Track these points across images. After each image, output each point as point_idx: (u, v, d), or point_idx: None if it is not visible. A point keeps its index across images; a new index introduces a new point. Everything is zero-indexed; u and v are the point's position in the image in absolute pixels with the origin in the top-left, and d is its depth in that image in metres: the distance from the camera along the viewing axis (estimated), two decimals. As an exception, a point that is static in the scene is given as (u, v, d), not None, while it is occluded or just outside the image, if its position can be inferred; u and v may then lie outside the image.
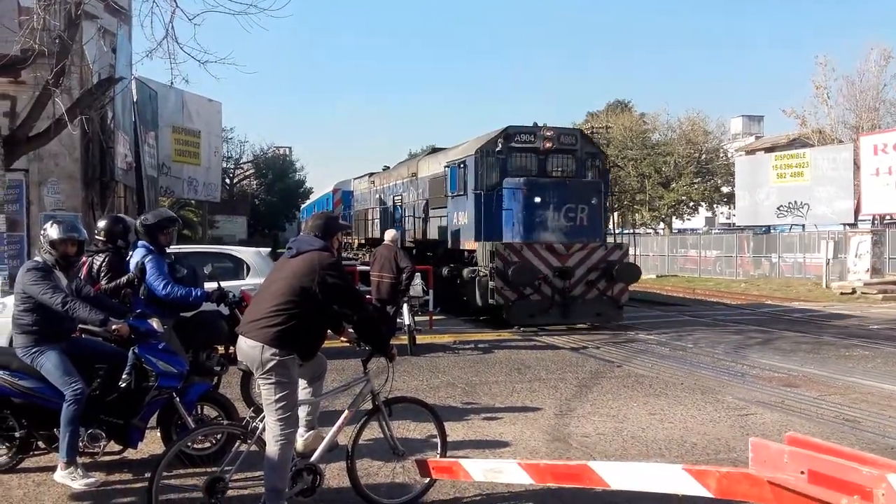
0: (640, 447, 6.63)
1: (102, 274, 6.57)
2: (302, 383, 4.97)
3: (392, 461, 5.38)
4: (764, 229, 36.40)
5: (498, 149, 15.49)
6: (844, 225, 31.26)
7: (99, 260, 6.67)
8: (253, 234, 52.94)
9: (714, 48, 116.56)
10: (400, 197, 21.15)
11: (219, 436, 5.73)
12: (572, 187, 15.25)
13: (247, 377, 6.85)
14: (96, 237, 6.87)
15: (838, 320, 17.40)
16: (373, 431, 5.28)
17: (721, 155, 49.06)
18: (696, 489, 3.38)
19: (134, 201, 21.93)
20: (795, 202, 33.10)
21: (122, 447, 5.66)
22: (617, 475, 3.85)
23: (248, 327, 4.63)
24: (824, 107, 37.59)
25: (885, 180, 28.80)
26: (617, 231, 23.23)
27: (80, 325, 5.82)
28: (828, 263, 26.88)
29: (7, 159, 11.23)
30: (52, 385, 5.31)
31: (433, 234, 18.09)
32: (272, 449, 4.48)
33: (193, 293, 6.41)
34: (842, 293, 24.38)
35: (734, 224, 43.70)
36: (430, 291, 14.68)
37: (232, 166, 59.27)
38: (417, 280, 12.55)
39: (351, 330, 5.15)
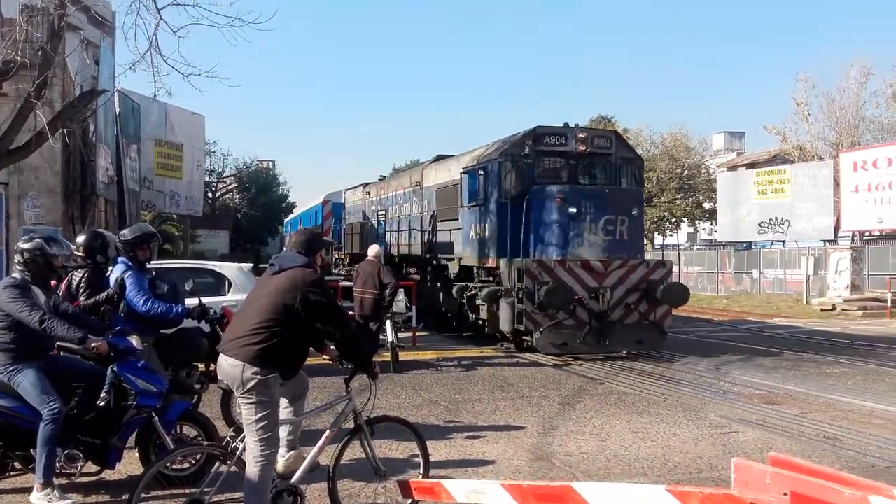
0: (623, 466, 6.62)
1: (81, 290, 6.50)
2: (283, 402, 4.92)
3: (374, 482, 5.33)
4: (745, 245, 36.67)
5: (525, 152, 13.74)
6: (824, 241, 31.54)
7: (78, 276, 6.61)
8: (235, 248, 52.66)
9: (697, 65, 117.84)
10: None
11: (198, 456, 5.64)
12: (612, 196, 13.45)
13: (227, 396, 6.79)
14: (75, 253, 6.80)
15: (819, 337, 17.51)
16: (355, 451, 5.24)
17: (703, 171, 49.43)
18: (678, 511, 3.36)
19: (115, 215, 21.76)
20: (776, 218, 33.37)
21: (99, 468, 5.58)
22: (600, 496, 3.83)
23: (229, 345, 4.58)
24: (805, 123, 38.00)
25: (864, 197, 29.09)
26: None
27: (58, 343, 5.75)
28: (808, 280, 27.13)
29: (-13, 172, 11.13)
30: (28, 404, 5.23)
31: (442, 249, 16.31)
32: (252, 470, 4.43)
33: (174, 310, 6.36)
34: (822, 309, 24.59)
35: (716, 240, 43.99)
36: (414, 308, 14.63)
37: (215, 180, 59.02)
38: (401, 296, 12.53)
39: (333, 348, 5.12)
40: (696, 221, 50.58)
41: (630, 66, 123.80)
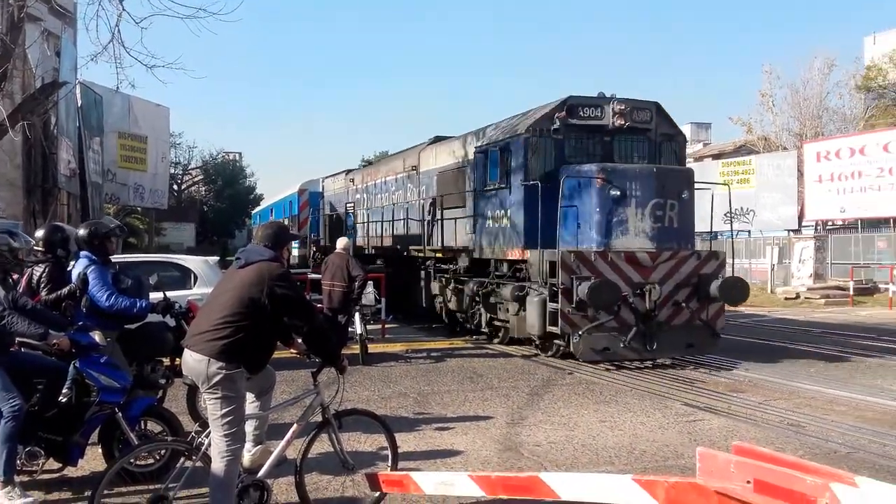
0: (591, 455, 6.67)
1: (42, 285, 6.40)
2: (249, 397, 4.88)
3: (342, 475, 5.32)
4: (712, 235, 37.00)
5: (555, 126, 11.86)
6: (789, 231, 32.02)
7: (39, 270, 6.50)
8: (202, 241, 52.20)
9: (664, 55, 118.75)
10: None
11: (163, 452, 5.58)
12: (661, 177, 11.37)
13: (193, 391, 6.71)
14: (35, 248, 6.67)
15: (783, 325, 17.79)
16: (322, 445, 5.20)
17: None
18: (645, 500, 3.40)
19: (78, 209, 21.45)
20: (742, 208, 33.79)
21: (61, 465, 5.51)
22: (567, 486, 3.87)
23: (194, 340, 4.52)
24: (769, 114, 38.56)
25: (827, 187, 29.58)
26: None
27: (18, 339, 5.65)
28: (773, 269, 27.50)
29: (-55, 166, 10.90)
30: (-12, 401, 5.13)
31: (448, 240, 14.56)
32: (218, 465, 4.38)
33: (138, 304, 6.29)
34: (786, 298, 24.96)
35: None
36: (383, 300, 14.58)
37: (180, 172, 58.39)
38: (370, 288, 12.50)
39: (300, 341, 5.08)
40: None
41: (593, 56, 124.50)
